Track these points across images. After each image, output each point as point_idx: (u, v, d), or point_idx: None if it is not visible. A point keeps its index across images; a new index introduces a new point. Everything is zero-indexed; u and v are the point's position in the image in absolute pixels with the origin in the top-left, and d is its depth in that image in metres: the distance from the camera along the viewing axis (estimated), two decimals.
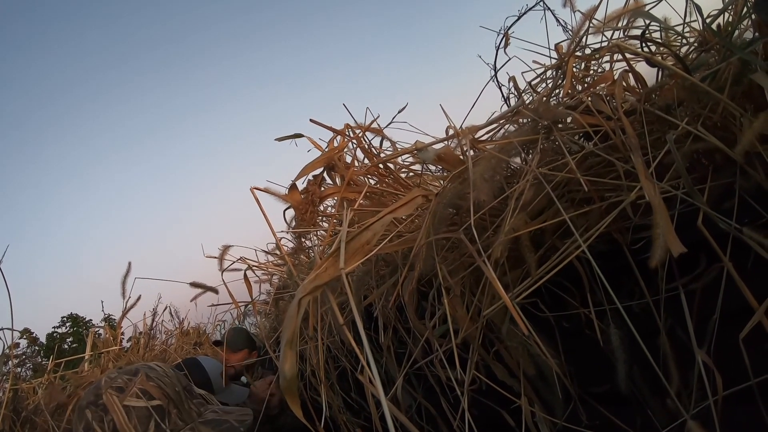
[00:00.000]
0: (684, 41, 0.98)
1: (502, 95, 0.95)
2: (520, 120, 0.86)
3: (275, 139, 1.36)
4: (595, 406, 0.97)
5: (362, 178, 1.18)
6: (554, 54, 1.04)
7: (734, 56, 0.78)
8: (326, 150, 1.19)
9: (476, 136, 0.86)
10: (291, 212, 1.18)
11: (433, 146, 0.87)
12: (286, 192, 1.12)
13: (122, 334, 3.28)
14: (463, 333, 0.85)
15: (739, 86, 0.80)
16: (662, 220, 0.64)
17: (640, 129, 0.76)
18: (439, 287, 0.89)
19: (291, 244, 1.38)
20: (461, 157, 0.84)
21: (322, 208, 1.21)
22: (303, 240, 1.21)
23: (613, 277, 0.91)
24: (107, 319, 3.19)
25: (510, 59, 1.03)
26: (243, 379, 2.58)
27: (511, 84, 0.98)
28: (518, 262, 0.87)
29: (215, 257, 1.50)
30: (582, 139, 0.84)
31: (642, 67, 0.91)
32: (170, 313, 3.63)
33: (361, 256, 0.75)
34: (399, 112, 1.27)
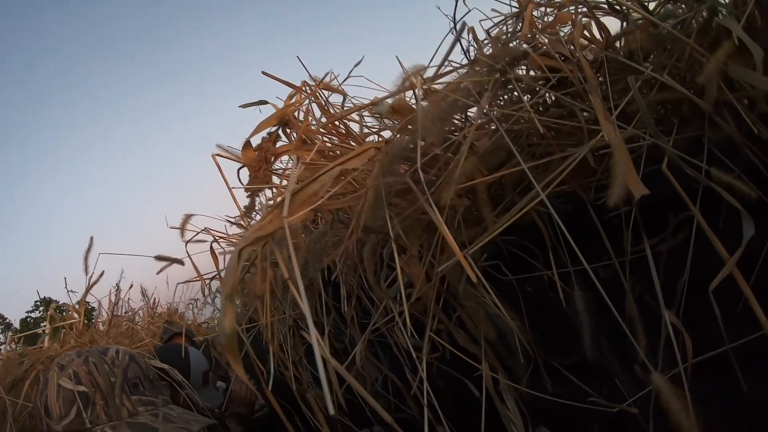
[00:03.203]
0: None
1: (461, 47, 0.91)
2: (477, 68, 0.82)
3: (239, 106, 1.33)
4: (560, 373, 0.94)
5: (320, 137, 1.15)
6: (515, 4, 1.00)
7: (702, 5, 0.75)
8: (283, 107, 1.16)
9: (429, 83, 0.83)
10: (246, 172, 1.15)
11: (388, 99, 0.84)
12: (240, 150, 1.09)
13: (93, 311, 3.24)
14: (416, 293, 0.81)
15: (706, 36, 0.77)
16: (622, 159, 0.60)
17: (602, 78, 0.73)
18: (397, 248, 0.85)
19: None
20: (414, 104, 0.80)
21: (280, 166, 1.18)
22: (257, 199, 1.17)
23: (579, 239, 0.88)
24: (81, 302, 3.12)
25: (470, 11, 0.99)
26: (220, 384, 2.54)
27: (471, 36, 0.94)
28: (477, 222, 0.84)
29: (178, 228, 1.45)
30: (540, 84, 0.80)
31: (606, 21, 0.88)
32: (141, 292, 3.59)
33: (311, 209, 0.71)
34: (355, 66, 1.24)
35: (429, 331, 0.82)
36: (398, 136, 0.79)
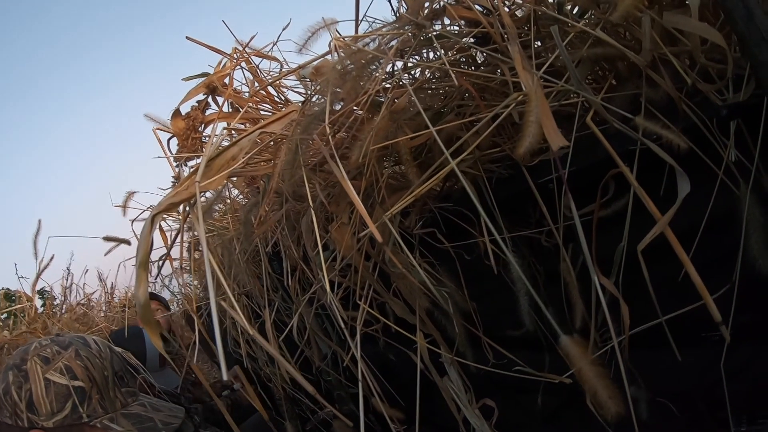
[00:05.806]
0: None
1: (392, 8, 0.87)
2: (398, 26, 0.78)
3: (182, 79, 1.31)
4: (502, 345, 0.91)
5: (252, 105, 1.11)
6: None
7: None
8: (213, 74, 1.13)
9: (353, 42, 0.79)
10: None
11: (313, 62, 0.80)
12: (169, 119, 1.06)
13: (49, 297, 3.16)
14: (340, 260, 0.78)
15: None
16: (537, 105, 0.56)
17: (532, 34, 0.69)
18: (327, 216, 0.82)
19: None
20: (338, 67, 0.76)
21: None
22: (185, 168, 1.14)
23: (517, 206, 0.85)
24: (41, 291, 3.02)
25: None
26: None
27: None
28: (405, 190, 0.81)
29: (121, 206, 1.41)
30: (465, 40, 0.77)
31: None
32: (98, 277, 3.50)
33: (227, 173, 0.68)
34: (283, 29, 1.20)
35: (359, 300, 0.79)
36: (316, 97, 0.76)
